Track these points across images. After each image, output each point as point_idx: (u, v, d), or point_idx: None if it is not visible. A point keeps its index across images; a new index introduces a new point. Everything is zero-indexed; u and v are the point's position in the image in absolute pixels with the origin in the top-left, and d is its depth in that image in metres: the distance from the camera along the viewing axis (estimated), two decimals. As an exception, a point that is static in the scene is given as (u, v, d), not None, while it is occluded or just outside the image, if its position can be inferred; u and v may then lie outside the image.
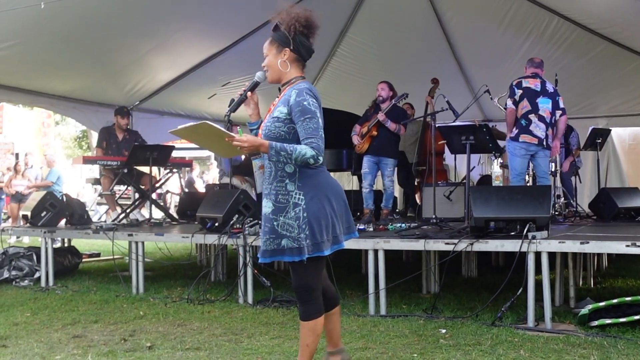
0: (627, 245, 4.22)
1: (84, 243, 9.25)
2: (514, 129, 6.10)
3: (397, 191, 10.18)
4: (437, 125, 6.84)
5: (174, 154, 7.59)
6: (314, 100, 2.93)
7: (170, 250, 7.95)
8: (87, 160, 7.62)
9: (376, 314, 4.88)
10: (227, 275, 6.71)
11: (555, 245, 4.45)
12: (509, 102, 6.13)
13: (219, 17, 7.89)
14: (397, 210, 8.96)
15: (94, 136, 14.43)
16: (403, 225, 5.96)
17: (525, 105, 6.07)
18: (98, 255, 8.46)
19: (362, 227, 5.89)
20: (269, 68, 3.02)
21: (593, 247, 4.39)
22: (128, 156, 7.14)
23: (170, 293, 5.91)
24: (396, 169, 8.83)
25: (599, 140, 7.56)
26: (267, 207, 2.98)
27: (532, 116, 6.05)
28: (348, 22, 9.66)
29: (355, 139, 7.00)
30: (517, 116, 6.11)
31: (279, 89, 3.10)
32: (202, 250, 7.45)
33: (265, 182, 3.03)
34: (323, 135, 2.92)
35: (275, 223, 2.93)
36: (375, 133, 6.85)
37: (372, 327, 4.47)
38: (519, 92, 6.10)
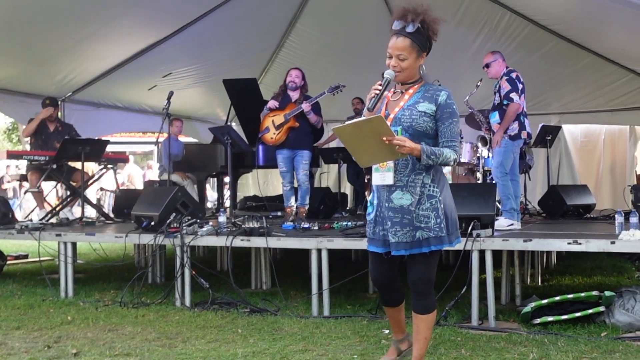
0: (569, 243, 4.41)
1: (11, 244, 9.02)
2: (515, 125, 5.81)
3: (348, 188, 10.34)
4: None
5: (109, 148, 7.48)
6: (455, 105, 3.17)
7: (106, 251, 7.84)
8: (11, 155, 7.40)
9: (319, 315, 4.95)
10: (165, 277, 6.67)
11: (499, 243, 4.61)
12: (515, 97, 5.77)
13: (159, 5, 7.80)
14: (347, 208, 9.09)
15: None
16: (349, 223, 6.04)
17: (524, 100, 5.89)
18: (26, 257, 8.27)
19: (306, 225, 5.94)
20: (405, 70, 3.13)
21: (536, 244, 4.57)
22: (57, 151, 7.00)
23: (103, 296, 5.84)
24: (346, 165, 8.99)
25: (549, 138, 7.82)
26: (404, 199, 3.12)
27: (525, 111, 5.97)
28: (297, 12, 9.69)
29: (272, 104, 6.80)
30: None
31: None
32: (139, 251, 7.38)
33: (399, 173, 3.13)
34: (458, 133, 3.17)
35: (414, 215, 3.10)
36: (296, 124, 6.74)
37: (314, 328, 4.53)
38: (519, 85, 5.85)
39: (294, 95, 6.84)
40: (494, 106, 5.98)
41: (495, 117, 5.94)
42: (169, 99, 6.86)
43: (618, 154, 10.46)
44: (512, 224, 5.64)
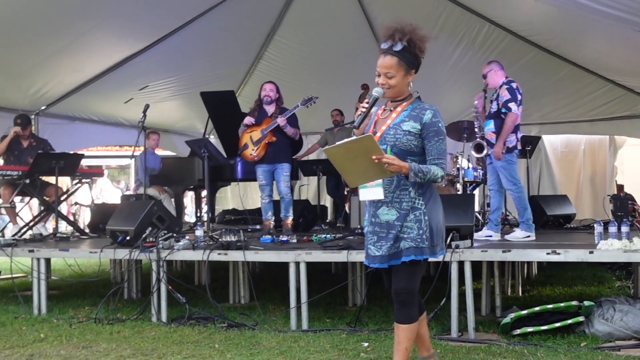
0: (548, 253, 4.45)
1: (-17, 261, 8.88)
2: (512, 137, 5.76)
3: (327, 201, 10.35)
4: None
5: (84, 162, 7.42)
6: (441, 123, 3.21)
7: (82, 267, 7.75)
8: (-17, 171, 7.32)
9: (298, 329, 4.93)
10: (141, 292, 6.60)
11: (477, 254, 4.63)
12: (514, 107, 5.70)
13: (135, 16, 7.79)
14: (327, 221, 9.08)
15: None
16: (328, 236, 6.04)
17: (520, 111, 5.84)
18: (-2, 273, 8.14)
19: (285, 238, 5.93)
20: (393, 87, 3.20)
21: (515, 255, 4.61)
22: (31, 165, 6.93)
23: (77, 313, 5.77)
24: (325, 177, 9.00)
25: (529, 148, 7.90)
26: (390, 214, 3.20)
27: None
28: (276, 24, 9.73)
29: (249, 120, 6.83)
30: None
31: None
32: (115, 266, 7.31)
33: (384, 189, 3.19)
34: (445, 152, 3.22)
35: (398, 229, 3.17)
36: (273, 139, 6.75)
37: (292, 342, 4.51)
38: (519, 96, 5.81)
39: (270, 109, 6.86)
40: (490, 114, 5.93)
41: (489, 125, 5.89)
42: (144, 112, 6.84)
43: (598, 163, 10.57)
44: (528, 236, 5.61)
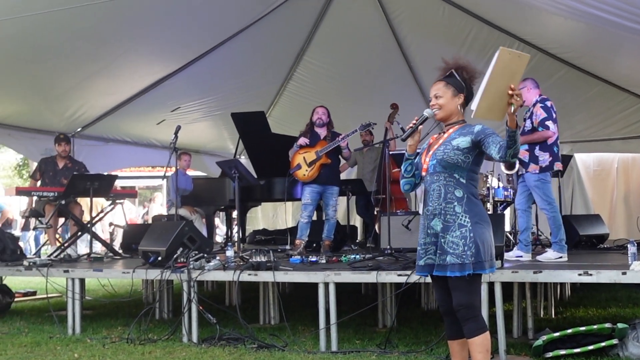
0: (580, 274, 4.41)
1: (19, 280, 9.10)
2: (547, 157, 5.71)
3: (357, 221, 10.35)
4: (391, 153, 7.00)
5: (118, 182, 7.58)
6: None
7: (115, 287, 7.86)
8: (20, 191, 7.53)
9: (327, 350, 4.94)
10: (172, 312, 6.68)
11: (508, 275, 4.61)
12: (551, 125, 5.70)
13: (168, 39, 7.99)
14: (356, 241, 9.10)
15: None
16: (357, 256, 6.06)
17: (556, 130, 5.81)
18: (34, 293, 8.32)
19: (314, 259, 5.97)
20: (442, 108, 3.48)
21: (546, 276, 4.57)
22: (66, 186, 7.11)
23: (110, 333, 5.87)
24: (355, 197, 9.03)
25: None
26: (438, 225, 3.38)
27: (559, 142, 5.92)
28: (305, 45, 9.87)
29: (303, 141, 6.99)
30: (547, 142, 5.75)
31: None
32: (147, 286, 7.41)
33: (433, 202, 3.42)
34: None
35: (442, 240, 3.34)
36: (328, 161, 6.92)
37: (321, 364, 4.53)
38: (554, 114, 5.80)
39: (322, 132, 7.07)
40: (524, 132, 5.86)
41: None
42: (176, 133, 6.98)
43: (632, 182, 10.41)
44: (560, 257, 5.58)
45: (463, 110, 3.52)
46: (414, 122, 3.49)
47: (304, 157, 7.01)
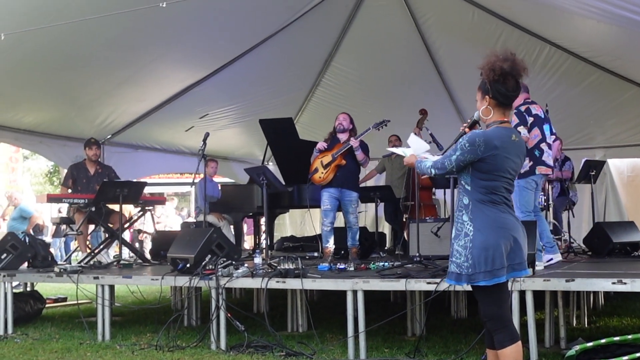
0: (614, 283, 4.33)
1: (50, 287, 9.24)
2: (526, 162, 5.62)
3: (385, 228, 10.32)
4: (420, 159, 6.95)
5: (147, 189, 7.67)
6: (469, 143, 3.29)
7: (144, 293, 7.97)
8: (51, 198, 7.65)
9: (355, 358, 4.93)
10: (201, 319, 6.73)
11: (540, 284, 4.54)
12: (524, 131, 5.70)
13: (197, 45, 8.09)
14: (385, 248, 9.07)
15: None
16: (386, 264, 6.04)
17: (536, 133, 5.82)
18: (64, 299, 8.45)
19: (342, 266, 5.96)
20: (479, 109, 3.47)
21: (579, 284, 4.49)
22: (96, 194, 7.21)
23: (139, 339, 5.93)
24: (383, 204, 9.00)
25: (593, 173, 7.72)
26: (453, 232, 3.42)
27: (543, 145, 5.86)
28: (333, 51, 9.89)
29: (321, 145, 7.01)
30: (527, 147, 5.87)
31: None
32: (176, 293, 7.47)
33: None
34: (452, 161, 3.33)
35: (452, 248, 3.39)
36: (343, 162, 6.88)
37: (349, 372, 4.52)
38: (530, 119, 5.79)
39: (343, 137, 7.04)
40: None
41: None
42: (204, 140, 7.04)
43: (667, 188, 10.22)
44: (551, 259, 5.57)
45: (500, 109, 3.36)
46: (465, 125, 3.49)
47: (321, 161, 7.01)
